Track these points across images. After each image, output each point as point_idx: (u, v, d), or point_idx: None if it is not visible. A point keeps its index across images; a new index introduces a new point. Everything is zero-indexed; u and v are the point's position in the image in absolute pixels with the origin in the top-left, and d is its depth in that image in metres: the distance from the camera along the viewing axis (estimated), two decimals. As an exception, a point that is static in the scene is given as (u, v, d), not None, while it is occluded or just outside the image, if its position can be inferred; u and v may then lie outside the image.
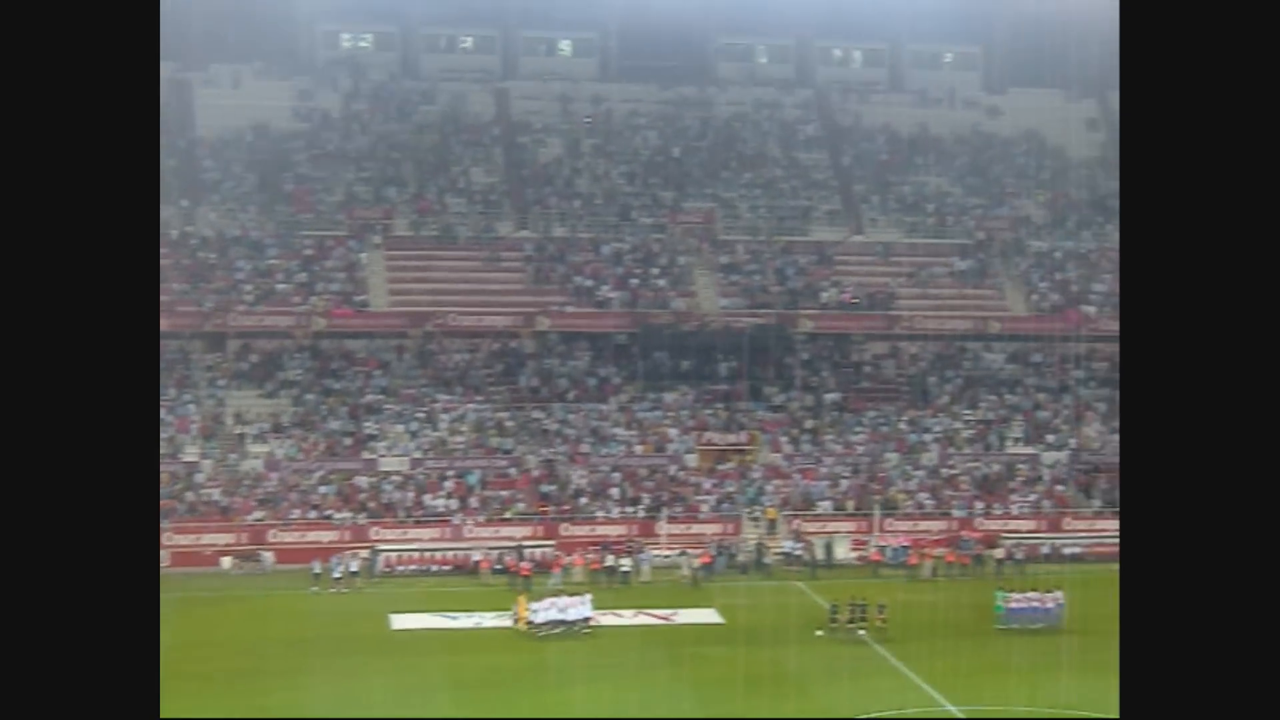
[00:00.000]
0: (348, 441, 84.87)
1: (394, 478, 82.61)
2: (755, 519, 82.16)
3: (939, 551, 78.76)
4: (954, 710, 53.61)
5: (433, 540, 78.51)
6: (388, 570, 75.58)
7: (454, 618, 66.55)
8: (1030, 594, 66.56)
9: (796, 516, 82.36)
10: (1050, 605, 65.80)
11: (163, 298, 76.72)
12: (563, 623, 62.97)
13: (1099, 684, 56.41)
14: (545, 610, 63.15)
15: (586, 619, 63.60)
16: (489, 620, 65.57)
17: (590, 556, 75.30)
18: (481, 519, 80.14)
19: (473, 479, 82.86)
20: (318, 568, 72.47)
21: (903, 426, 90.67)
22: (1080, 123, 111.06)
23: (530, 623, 62.66)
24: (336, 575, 72.13)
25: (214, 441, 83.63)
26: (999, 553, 78.49)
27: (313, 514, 79.68)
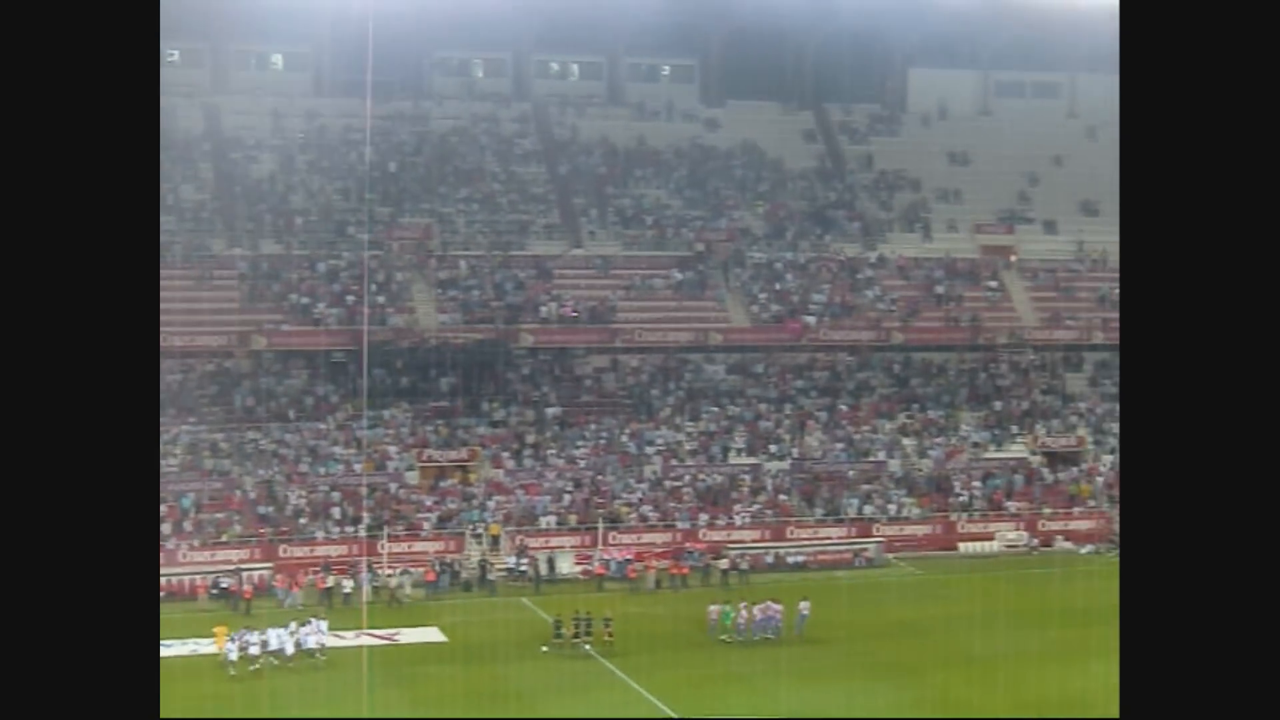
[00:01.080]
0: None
1: (104, 503, 79.75)
2: (478, 535, 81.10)
3: (663, 563, 78.51)
4: (680, 721, 53.34)
5: (145, 566, 75.95)
6: (98, 599, 72.78)
7: (167, 645, 64.29)
8: (764, 604, 66.33)
9: (520, 532, 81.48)
10: (776, 615, 65.69)
11: None
12: (300, 648, 60.97)
13: (822, 690, 57.02)
14: (275, 637, 61.19)
15: (322, 645, 61.81)
16: (204, 647, 63.50)
17: (311, 578, 73.61)
18: (196, 543, 77.83)
19: (187, 502, 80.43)
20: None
21: (625, 439, 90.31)
22: (797, 134, 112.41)
23: (244, 650, 60.38)
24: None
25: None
26: (723, 563, 78.44)
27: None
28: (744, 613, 65.54)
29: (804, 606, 66.21)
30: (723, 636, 64.95)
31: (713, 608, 66.25)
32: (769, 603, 66.28)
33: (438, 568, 76.39)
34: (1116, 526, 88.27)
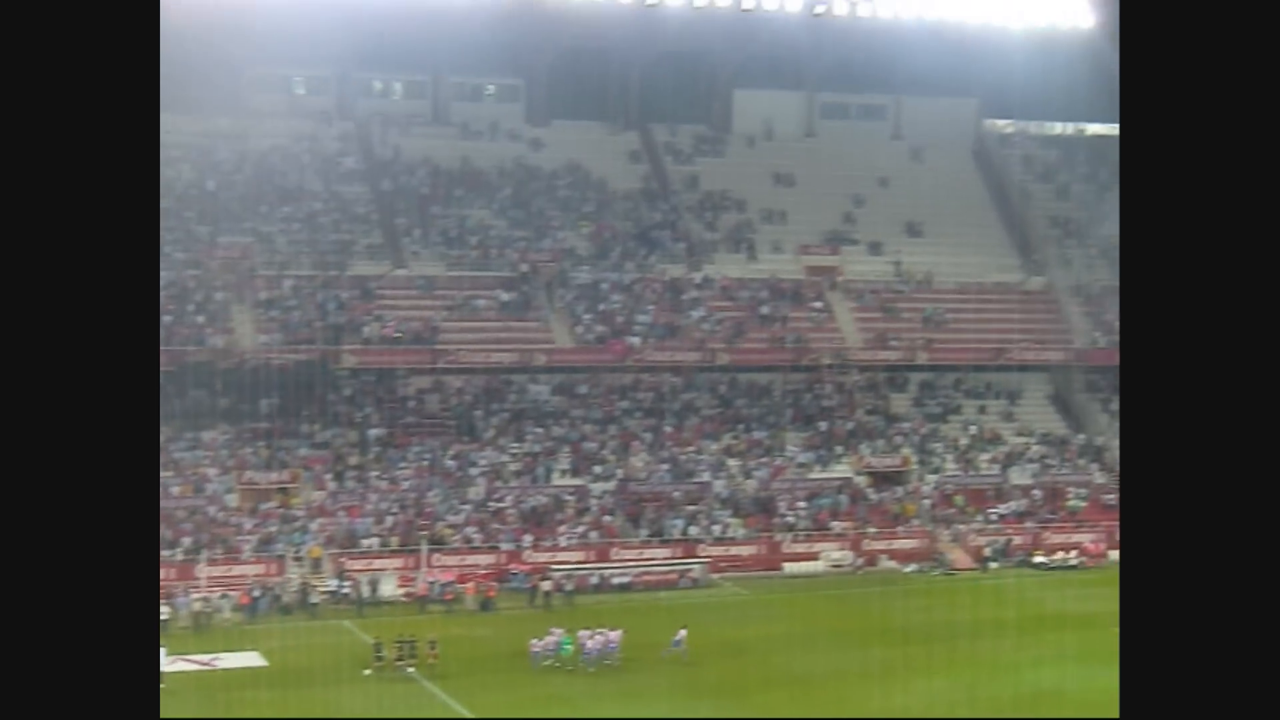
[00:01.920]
0: None
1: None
2: (299, 558, 79.83)
3: (486, 585, 77.79)
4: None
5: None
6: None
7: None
8: (602, 631, 65.39)
9: (342, 554, 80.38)
10: (614, 640, 64.77)
11: None
12: None
13: (645, 712, 56.82)
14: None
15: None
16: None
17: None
18: (7, 569, 75.85)
19: (-3, 527, 78.39)
20: None
21: (448, 461, 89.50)
22: (623, 155, 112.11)
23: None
24: None
25: None
26: (548, 584, 77.82)
27: None
28: (585, 641, 64.51)
29: (681, 635, 65.52)
30: (546, 662, 64.04)
31: (534, 641, 65.02)
32: (606, 630, 65.35)
33: (257, 591, 74.99)
34: (939, 545, 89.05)
